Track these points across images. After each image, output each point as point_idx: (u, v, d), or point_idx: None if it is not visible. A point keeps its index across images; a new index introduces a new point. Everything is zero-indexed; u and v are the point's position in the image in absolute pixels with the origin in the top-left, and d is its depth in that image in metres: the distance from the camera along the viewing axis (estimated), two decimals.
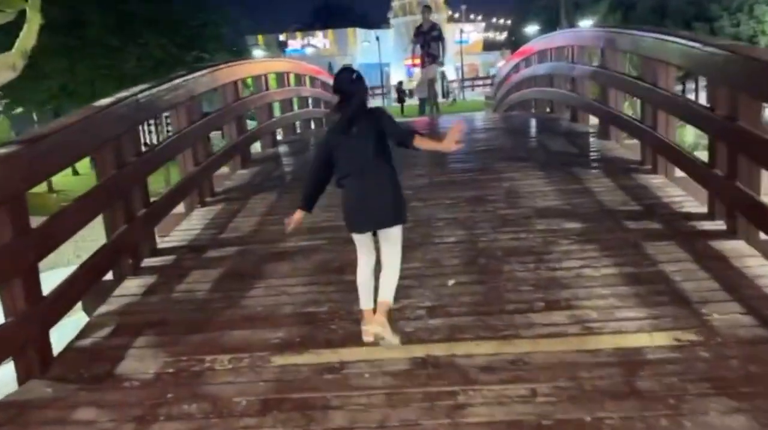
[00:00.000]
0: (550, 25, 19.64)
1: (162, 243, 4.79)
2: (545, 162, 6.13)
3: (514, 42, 25.21)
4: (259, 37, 44.78)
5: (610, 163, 5.84)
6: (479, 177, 5.80)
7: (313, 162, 3.16)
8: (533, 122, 9.23)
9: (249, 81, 8.54)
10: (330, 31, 48.34)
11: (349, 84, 3.01)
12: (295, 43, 47.95)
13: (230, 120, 6.75)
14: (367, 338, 3.01)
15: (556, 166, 5.92)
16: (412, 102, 32.25)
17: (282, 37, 47.41)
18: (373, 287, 3.08)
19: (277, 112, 9.39)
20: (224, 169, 6.64)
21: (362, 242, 3.08)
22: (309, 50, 47.87)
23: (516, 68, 12.21)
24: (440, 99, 39.35)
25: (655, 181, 5.19)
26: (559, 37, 8.94)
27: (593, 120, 7.78)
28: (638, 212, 4.58)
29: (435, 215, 4.82)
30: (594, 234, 4.20)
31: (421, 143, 2.95)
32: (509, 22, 54.16)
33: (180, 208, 5.40)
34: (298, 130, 10.45)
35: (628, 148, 6.29)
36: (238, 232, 4.92)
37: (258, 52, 18.29)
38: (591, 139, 6.87)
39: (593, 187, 5.20)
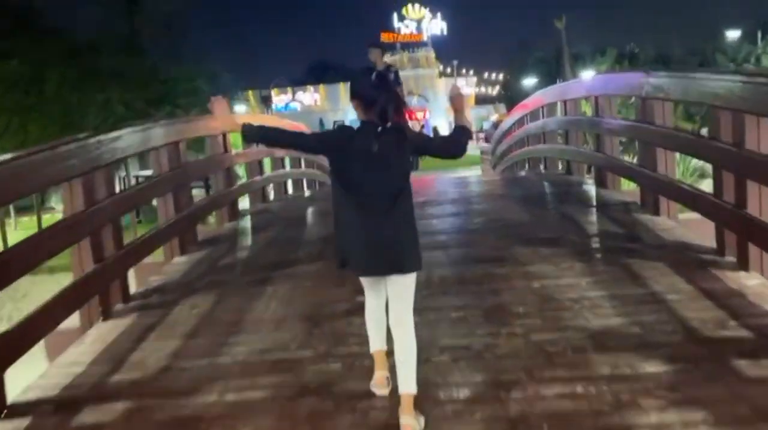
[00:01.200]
0: (549, 77, 18.57)
1: (20, 394, 3.10)
2: (582, 247, 4.55)
3: (509, 96, 24.14)
4: (250, 92, 44.12)
5: (674, 252, 4.25)
6: (496, 271, 4.19)
7: (303, 136, 2.75)
8: (549, 187, 7.67)
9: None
10: (321, 86, 47.79)
11: (369, 87, 2.40)
12: (286, 98, 47.27)
13: (165, 191, 5.18)
14: (380, 390, 2.62)
15: (598, 253, 4.35)
16: None
17: (273, 93, 46.75)
18: (386, 325, 2.60)
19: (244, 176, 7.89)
20: (155, 258, 5.03)
21: (370, 284, 2.62)
22: (299, 106, 47.16)
23: (520, 122, 10.85)
24: None
25: (752, 282, 3.59)
26: (576, 87, 7.53)
27: (625, 184, 6.31)
28: (746, 343, 2.96)
29: (436, 342, 3.18)
30: (692, 387, 2.57)
31: (463, 132, 2.48)
32: (501, 76, 54.07)
33: (73, 321, 3.75)
34: (271, 196, 8.95)
35: (689, 227, 4.73)
36: (137, 371, 3.23)
37: (240, 108, 16.99)
38: (634, 214, 5.30)
39: (663, 292, 3.58)
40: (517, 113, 11.05)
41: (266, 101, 18.93)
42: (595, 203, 5.99)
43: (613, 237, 4.77)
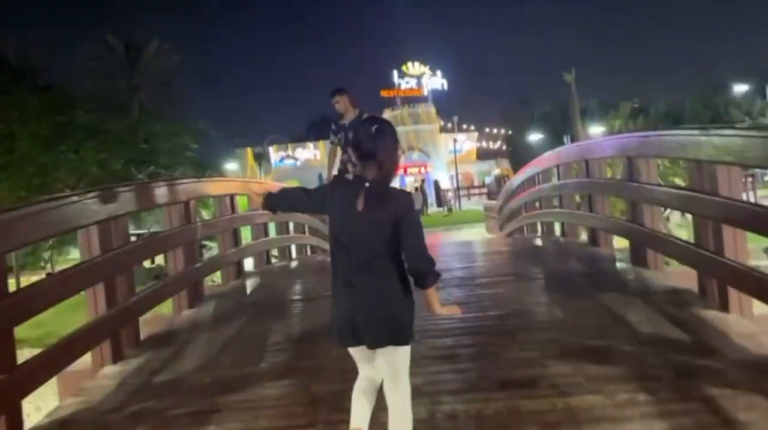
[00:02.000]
0: (554, 133, 17.76)
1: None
2: (641, 364, 3.33)
3: (512, 152, 23.34)
4: (248, 149, 43.66)
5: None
6: (526, 404, 2.98)
7: (303, 191, 2.44)
8: (575, 264, 6.36)
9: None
10: (321, 143, 47.30)
11: (367, 139, 2.20)
12: (284, 155, 46.81)
13: (97, 280, 4.02)
14: None
15: (664, 375, 3.15)
16: None
17: (272, 149, 46.35)
18: (372, 404, 2.33)
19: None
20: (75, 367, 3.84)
21: (359, 355, 2.35)
22: (298, 161, 46.63)
23: (530, 181, 9.83)
24: (435, 209, 37.17)
25: None
26: (602, 146, 6.48)
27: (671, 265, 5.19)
28: None
29: None
30: None
31: (431, 294, 2.23)
32: (502, 131, 53.80)
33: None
34: (252, 268, 7.84)
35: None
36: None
37: (232, 166, 16.07)
38: (695, 310, 4.12)
39: None
40: (528, 170, 10.04)
41: (260, 158, 17.96)
42: (638, 291, 4.79)
43: (678, 348, 3.56)
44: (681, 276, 4.75)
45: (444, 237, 21.59)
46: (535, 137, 16.63)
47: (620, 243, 6.74)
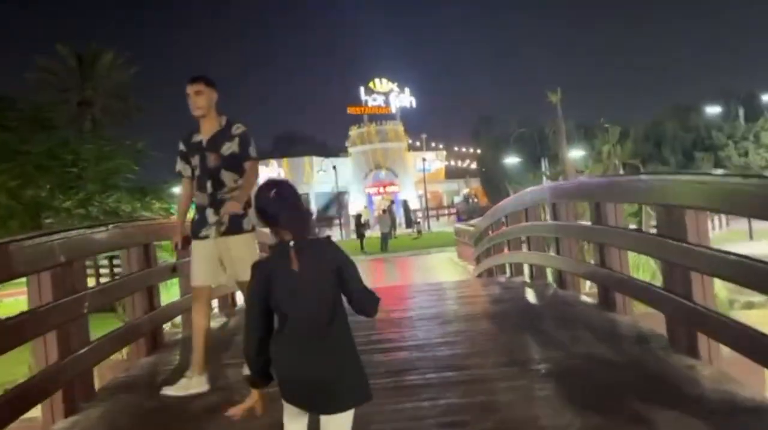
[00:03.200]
0: (534, 156, 16.79)
1: None
2: None
3: (484, 172, 22.30)
4: None
5: None
6: None
7: (248, 311, 2.22)
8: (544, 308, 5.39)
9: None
10: (285, 160, 45.86)
11: (269, 203, 2.18)
12: None
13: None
14: None
15: None
16: (374, 233, 29.09)
17: None
18: None
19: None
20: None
21: (292, 414, 2.21)
22: (260, 182, 44.97)
23: (499, 223, 8.82)
24: (404, 230, 35.81)
25: None
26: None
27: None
28: None
29: None
30: None
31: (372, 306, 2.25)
32: (471, 150, 53.18)
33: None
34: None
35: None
36: None
37: (178, 189, 14.54)
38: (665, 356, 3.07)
39: None
40: (498, 210, 9.06)
41: None
42: (605, 335, 4.37)
43: (639, 393, 3.12)
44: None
45: (412, 266, 20.28)
46: (511, 160, 15.71)
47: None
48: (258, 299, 2.17)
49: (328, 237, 2.29)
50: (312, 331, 2.11)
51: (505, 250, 9.33)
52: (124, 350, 4.98)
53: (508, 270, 8.95)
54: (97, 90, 41.43)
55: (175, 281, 6.20)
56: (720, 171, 13.16)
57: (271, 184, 2.21)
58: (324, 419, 2.16)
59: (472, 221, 33.85)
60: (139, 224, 5.49)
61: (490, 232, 10.23)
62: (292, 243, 2.14)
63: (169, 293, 7.03)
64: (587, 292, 6.21)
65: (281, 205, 2.16)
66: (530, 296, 6.56)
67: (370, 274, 20.52)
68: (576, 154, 14.82)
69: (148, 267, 4.99)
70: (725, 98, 29.64)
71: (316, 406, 2.15)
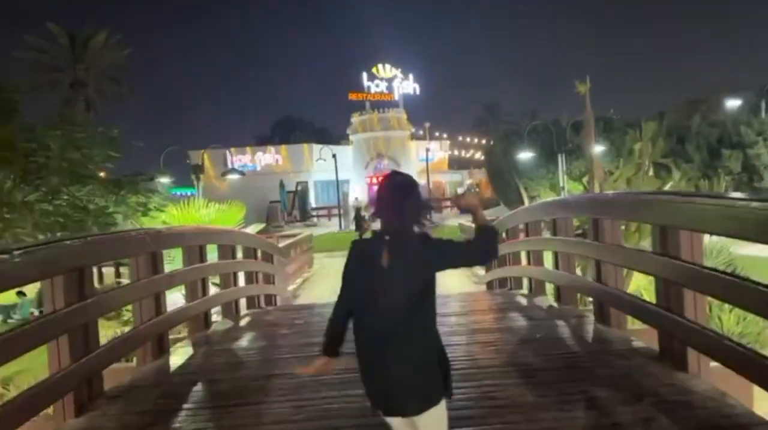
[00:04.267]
0: (548, 150, 15.58)
1: None
2: None
3: (491, 163, 21.10)
4: (204, 154, 40.61)
5: None
6: None
7: (342, 290, 2.33)
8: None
9: None
10: (283, 147, 44.62)
11: (387, 191, 2.28)
12: (244, 159, 43.86)
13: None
14: None
15: None
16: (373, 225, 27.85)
17: (230, 152, 43.33)
18: None
19: None
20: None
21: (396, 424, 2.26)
22: (259, 167, 43.75)
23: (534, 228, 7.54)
24: None
25: None
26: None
27: None
28: None
29: None
30: None
31: (488, 234, 2.33)
32: (476, 140, 51.89)
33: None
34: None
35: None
36: None
37: (164, 181, 13.37)
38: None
39: None
40: (529, 213, 7.82)
41: (197, 171, 14.92)
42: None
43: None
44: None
45: None
46: (525, 155, 14.59)
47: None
48: (350, 289, 2.25)
49: (428, 236, 2.25)
50: (392, 325, 2.12)
51: (523, 261, 8.24)
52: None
53: (526, 283, 7.88)
54: (90, 71, 40.15)
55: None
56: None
57: (397, 174, 2.29)
58: (417, 418, 2.12)
59: None
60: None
61: (503, 236, 9.08)
62: (389, 239, 2.18)
63: None
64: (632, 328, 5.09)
65: (398, 196, 2.20)
66: (566, 334, 5.37)
67: None
68: (596, 148, 13.65)
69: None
70: (737, 91, 28.33)
71: (398, 406, 2.14)
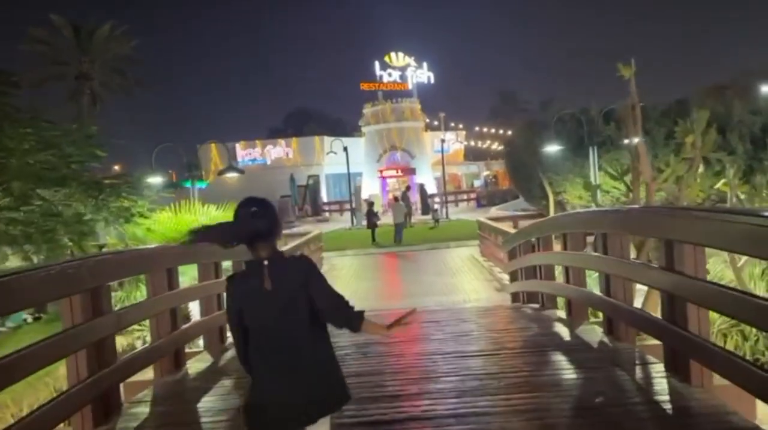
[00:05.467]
0: (575, 142, 14.25)
1: None
2: None
3: (514, 158, 19.77)
4: (213, 146, 39.70)
5: None
6: None
7: (232, 327, 2.42)
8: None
9: None
10: (294, 139, 43.51)
11: (247, 221, 2.31)
12: (254, 153, 42.86)
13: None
14: None
15: None
16: (386, 221, 26.74)
17: (239, 146, 42.34)
18: None
19: None
20: None
21: None
22: (269, 160, 42.72)
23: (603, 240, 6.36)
24: (420, 217, 33.30)
25: None
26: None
27: None
28: None
29: None
30: None
31: (370, 330, 2.37)
32: (493, 130, 50.43)
33: None
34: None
35: None
36: None
37: (155, 180, 12.25)
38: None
39: None
40: (569, 222, 6.61)
41: (192, 168, 13.64)
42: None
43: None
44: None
45: (428, 265, 17.88)
46: (552, 147, 13.37)
47: None
48: (241, 327, 2.32)
49: (303, 258, 2.41)
50: (283, 347, 2.24)
51: (559, 276, 7.04)
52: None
53: (563, 307, 6.66)
54: (96, 63, 39.29)
55: None
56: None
57: (251, 201, 2.33)
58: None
59: (496, 212, 31.42)
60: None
61: (536, 244, 7.87)
62: (266, 262, 2.27)
63: None
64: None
65: (258, 223, 2.28)
66: (635, 395, 4.16)
67: (380, 271, 18.29)
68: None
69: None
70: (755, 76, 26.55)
71: (293, 421, 2.24)
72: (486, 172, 48.52)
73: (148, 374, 4.99)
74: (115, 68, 39.67)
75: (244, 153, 42.50)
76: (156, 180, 12.71)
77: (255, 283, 2.23)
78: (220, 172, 14.71)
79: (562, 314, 6.65)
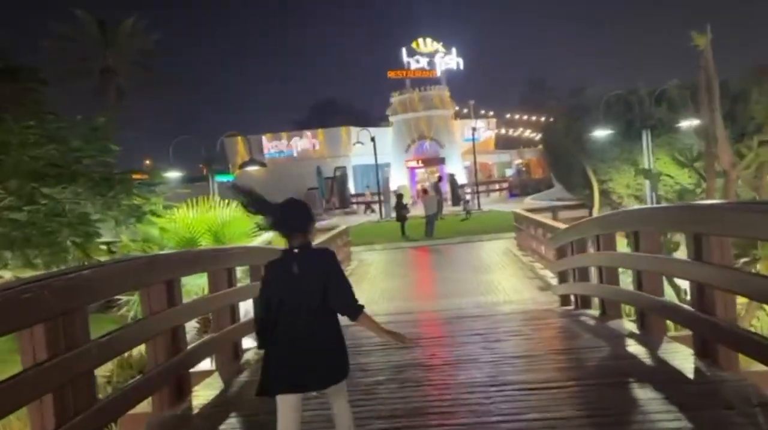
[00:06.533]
0: (623, 126, 13.09)
1: None
2: None
3: (552, 145, 18.60)
4: (239, 138, 39.18)
5: None
6: None
7: (261, 301, 2.87)
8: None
9: None
10: (320, 131, 42.72)
11: (291, 219, 2.87)
12: (280, 145, 42.25)
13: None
14: None
15: None
16: (416, 213, 25.75)
17: (265, 139, 41.79)
18: None
19: None
20: None
21: (290, 404, 2.75)
22: (295, 152, 42.07)
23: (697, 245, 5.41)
24: (451, 208, 32.10)
25: None
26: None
27: None
28: None
29: None
30: None
31: (367, 324, 2.82)
32: (525, 117, 48.88)
33: None
34: None
35: None
36: None
37: (170, 177, 11.55)
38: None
39: None
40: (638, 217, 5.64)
41: (211, 163, 12.53)
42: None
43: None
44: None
45: (462, 259, 16.89)
46: (601, 132, 12.24)
47: None
48: (268, 303, 2.79)
49: (327, 251, 2.92)
50: (303, 322, 2.68)
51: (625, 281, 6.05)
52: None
53: (634, 317, 5.69)
54: (120, 58, 39.11)
55: None
56: None
57: (294, 203, 2.90)
58: (333, 392, 2.80)
59: (531, 202, 30.04)
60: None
61: (595, 242, 6.87)
62: (296, 250, 2.79)
63: None
64: None
65: (300, 222, 2.85)
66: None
67: (410, 267, 17.38)
68: (688, 123, 11.08)
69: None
70: None
71: (308, 385, 2.75)
72: (518, 161, 47.05)
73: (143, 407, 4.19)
74: (139, 62, 39.47)
75: (270, 146, 41.93)
76: (174, 175, 12.00)
77: (286, 267, 2.71)
78: (241, 166, 13.97)
79: (630, 325, 5.66)
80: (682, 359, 4.28)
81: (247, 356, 5.75)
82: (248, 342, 6.00)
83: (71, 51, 38.68)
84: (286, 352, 2.67)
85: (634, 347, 4.86)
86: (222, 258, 5.58)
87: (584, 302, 7.71)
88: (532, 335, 5.86)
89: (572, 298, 8.41)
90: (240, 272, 6.67)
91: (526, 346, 5.30)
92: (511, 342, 5.47)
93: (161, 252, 5.98)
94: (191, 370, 4.71)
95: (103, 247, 8.28)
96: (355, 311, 2.74)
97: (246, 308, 6.47)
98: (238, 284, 5.91)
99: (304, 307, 2.67)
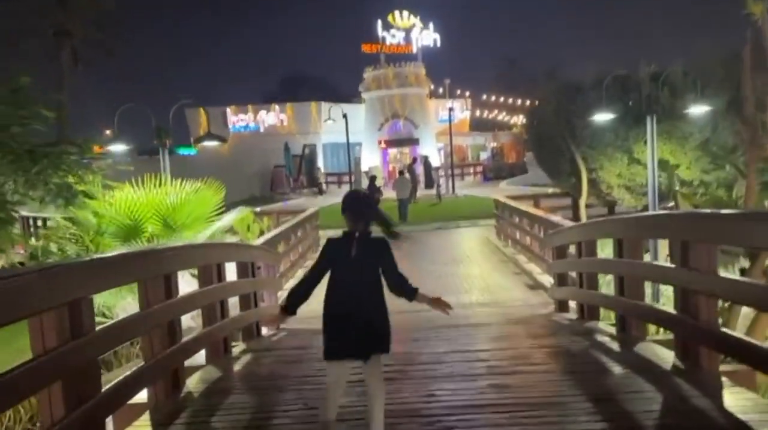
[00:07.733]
0: (617, 110, 12.08)
1: None
2: None
3: (539, 130, 17.58)
4: (201, 110, 37.23)
5: None
6: None
7: (314, 268, 3.24)
8: None
9: None
10: (288, 105, 40.89)
11: (358, 207, 3.25)
12: (246, 119, 40.39)
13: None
14: None
15: None
16: (388, 196, 24.58)
17: (230, 111, 39.88)
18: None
19: None
20: None
21: (341, 370, 3.15)
22: (262, 128, 40.30)
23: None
24: (424, 192, 30.94)
25: None
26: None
27: None
28: None
29: None
30: None
31: (422, 300, 3.21)
32: (501, 99, 47.93)
33: None
34: None
35: None
36: None
37: (114, 150, 10.06)
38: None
39: None
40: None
41: (162, 134, 11.40)
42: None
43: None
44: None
45: (439, 251, 15.76)
46: (602, 116, 11.25)
47: None
48: (321, 270, 3.22)
49: (382, 240, 3.26)
50: (357, 300, 3.08)
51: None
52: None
53: (656, 336, 4.65)
54: (76, 18, 36.57)
55: None
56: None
57: (361, 194, 3.64)
58: (371, 363, 3.13)
59: (507, 187, 29.14)
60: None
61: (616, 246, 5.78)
62: (357, 235, 3.17)
63: None
64: None
65: (365, 211, 3.27)
66: None
67: None
68: (697, 111, 10.13)
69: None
70: None
71: (361, 347, 3.08)
72: (493, 144, 46.22)
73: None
74: (97, 23, 36.99)
75: (235, 119, 40.05)
76: (119, 147, 10.53)
77: (346, 248, 3.12)
78: (197, 140, 12.52)
79: (665, 353, 4.61)
80: (755, 409, 3.22)
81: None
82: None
83: (19, 9, 35.98)
84: (342, 323, 3.04)
85: (684, 387, 3.77)
86: (153, 262, 4.31)
87: (592, 312, 6.69)
88: (549, 364, 4.73)
89: (573, 304, 7.43)
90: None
91: (545, 388, 4.15)
92: (526, 381, 4.35)
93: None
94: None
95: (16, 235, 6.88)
96: (412, 292, 3.16)
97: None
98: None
99: (356, 285, 3.06)
